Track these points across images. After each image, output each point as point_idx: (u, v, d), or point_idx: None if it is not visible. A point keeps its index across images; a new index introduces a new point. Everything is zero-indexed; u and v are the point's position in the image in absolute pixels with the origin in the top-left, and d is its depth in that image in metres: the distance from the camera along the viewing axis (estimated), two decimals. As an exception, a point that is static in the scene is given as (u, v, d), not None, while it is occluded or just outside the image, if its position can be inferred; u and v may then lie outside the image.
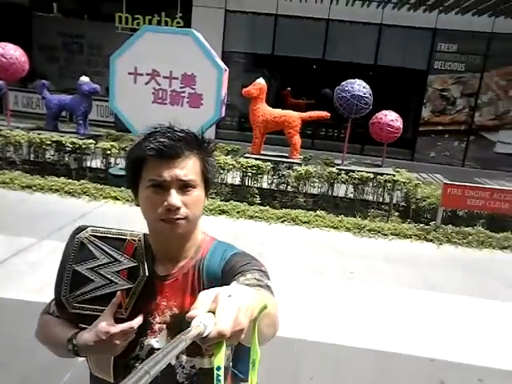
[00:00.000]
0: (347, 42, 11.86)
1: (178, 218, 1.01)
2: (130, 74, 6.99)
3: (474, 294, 4.52)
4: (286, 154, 7.32)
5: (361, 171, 6.70)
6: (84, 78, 7.31)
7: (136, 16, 11.70)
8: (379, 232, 6.02)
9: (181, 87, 7.03)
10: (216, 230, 5.51)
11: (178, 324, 1.02)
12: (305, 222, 6.15)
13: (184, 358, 1.03)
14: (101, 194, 6.21)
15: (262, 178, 6.83)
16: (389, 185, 6.66)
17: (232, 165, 6.71)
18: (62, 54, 14.43)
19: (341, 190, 6.94)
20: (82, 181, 6.53)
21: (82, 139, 6.88)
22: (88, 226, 1.06)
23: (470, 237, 5.96)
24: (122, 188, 6.30)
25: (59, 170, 6.97)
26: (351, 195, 6.92)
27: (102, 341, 0.95)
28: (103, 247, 1.03)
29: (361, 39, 11.80)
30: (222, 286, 1.02)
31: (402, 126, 7.04)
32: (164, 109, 7.06)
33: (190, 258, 1.10)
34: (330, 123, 11.66)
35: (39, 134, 6.88)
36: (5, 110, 7.79)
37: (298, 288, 4.28)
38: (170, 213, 0.99)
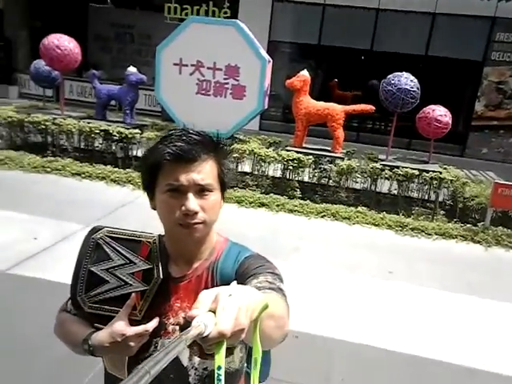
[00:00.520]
0: (397, 33, 11.42)
1: (196, 223, 1.01)
2: (175, 64, 7.11)
3: (522, 301, 4.29)
4: (329, 148, 7.20)
5: (405, 167, 6.48)
6: (131, 69, 7.49)
7: (184, 6, 11.86)
8: (423, 231, 5.82)
9: (224, 78, 7.07)
10: (255, 222, 5.58)
11: (189, 323, 1.04)
12: (345, 218, 6.05)
13: (196, 359, 1.03)
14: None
15: (303, 171, 6.76)
16: (435, 182, 6.40)
17: (273, 157, 6.68)
18: (115, 45, 14.87)
19: (384, 186, 6.74)
20: (127, 169, 6.74)
21: (128, 129, 7.09)
22: (104, 227, 1.07)
23: (523, 240, 5.64)
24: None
25: (107, 158, 7.23)
26: (395, 192, 6.71)
27: (117, 342, 0.97)
28: (118, 248, 1.04)
29: (412, 29, 11.32)
30: None
31: (450, 122, 6.71)
32: (207, 100, 7.14)
33: (205, 260, 1.11)
34: (376, 116, 11.34)
35: (89, 123, 7.15)
36: (60, 99, 8.13)
37: (333, 285, 4.23)
38: (187, 217, 1.00)
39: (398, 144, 10.06)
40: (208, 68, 7.07)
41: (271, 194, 6.50)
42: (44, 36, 7.40)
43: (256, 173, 6.95)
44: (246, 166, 7.02)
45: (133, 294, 1.01)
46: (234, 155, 6.71)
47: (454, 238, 5.75)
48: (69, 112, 7.98)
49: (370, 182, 6.72)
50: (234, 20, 7.48)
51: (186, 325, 1.03)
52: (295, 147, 7.09)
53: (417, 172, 6.41)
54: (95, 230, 1.07)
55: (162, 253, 1.05)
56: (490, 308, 4.10)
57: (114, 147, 7.25)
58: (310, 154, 6.78)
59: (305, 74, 6.94)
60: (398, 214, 6.25)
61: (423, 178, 6.45)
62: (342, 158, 6.82)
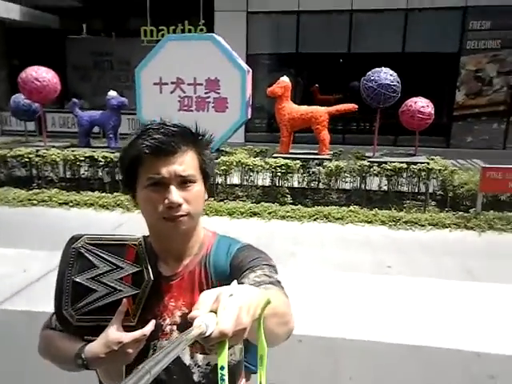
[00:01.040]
0: (372, 32, 11.57)
1: (181, 215, 0.98)
2: (155, 84, 7.13)
3: (522, 282, 4.25)
4: (316, 151, 7.21)
5: (393, 162, 6.49)
6: (112, 93, 7.51)
7: (160, 28, 11.93)
8: (416, 223, 5.80)
9: (205, 93, 7.09)
10: (248, 232, 5.53)
11: (188, 323, 1.02)
12: (338, 219, 6.02)
13: (199, 356, 1.01)
14: (134, 206, 6.34)
15: (292, 177, 6.76)
16: (423, 174, 6.41)
17: (261, 166, 6.68)
18: (94, 73, 14.95)
19: (374, 183, 6.75)
20: (115, 193, 6.70)
21: (113, 153, 7.06)
22: (83, 235, 1.03)
23: (515, 222, 5.64)
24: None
25: (93, 184, 7.19)
26: (385, 188, 6.72)
27: (114, 351, 0.93)
28: (102, 255, 1.00)
29: (386, 27, 11.47)
30: (230, 281, 0.99)
31: (433, 112, 6.76)
32: (190, 116, 7.13)
33: (195, 255, 1.08)
34: (359, 116, 11.41)
35: (73, 151, 7.13)
36: (42, 132, 8.11)
37: (333, 286, 4.18)
38: (171, 210, 0.97)
39: (384, 141, 10.10)
40: (188, 84, 7.10)
41: (262, 203, 6.48)
42: (22, 71, 7.41)
43: (245, 183, 6.93)
44: (235, 178, 7.00)
45: (124, 300, 0.97)
46: (222, 168, 6.69)
47: (447, 226, 5.74)
48: (52, 143, 7.96)
49: (360, 181, 6.72)
50: (209, 34, 7.54)
51: (185, 323, 1.00)
52: (282, 154, 7.09)
53: (405, 165, 6.42)
54: (74, 239, 1.03)
55: (150, 253, 1.02)
56: (492, 291, 4.06)
57: (100, 173, 7.21)
58: (298, 158, 6.78)
59: (285, 79, 6.98)
60: (390, 210, 6.24)
61: (412, 171, 6.46)
62: (330, 160, 6.82)
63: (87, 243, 1.01)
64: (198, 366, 1.01)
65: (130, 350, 0.95)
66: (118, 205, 6.34)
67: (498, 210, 5.86)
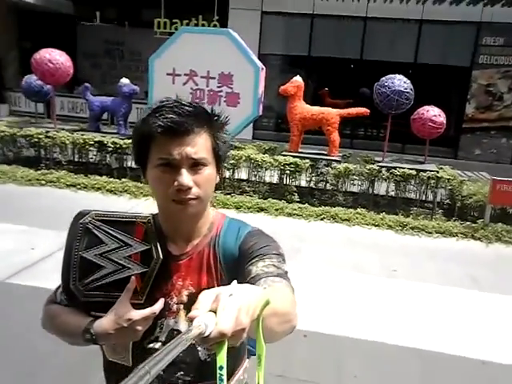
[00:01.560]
0: (385, 41, 11.59)
1: (190, 198, 0.96)
2: (168, 74, 7.12)
3: (528, 293, 4.26)
4: (325, 152, 7.21)
5: (402, 168, 6.50)
6: (124, 80, 7.50)
7: (174, 20, 11.93)
8: (423, 230, 5.80)
9: (218, 86, 7.09)
10: (255, 226, 5.51)
11: (195, 303, 1.02)
12: (345, 220, 6.02)
13: None
14: (141, 192, 6.33)
15: (300, 175, 6.75)
16: (432, 182, 6.42)
17: (270, 163, 6.67)
18: (105, 61, 14.92)
19: (381, 188, 6.75)
20: (123, 179, 6.68)
21: (122, 139, 7.05)
22: (90, 210, 1.01)
23: (523, 235, 5.65)
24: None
25: (101, 169, 7.17)
26: (392, 193, 6.72)
27: (123, 328, 0.93)
28: (111, 232, 0.98)
29: (400, 37, 11.51)
30: (239, 263, 1.01)
31: (445, 122, 6.78)
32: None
33: (204, 236, 1.07)
34: (369, 122, 11.42)
35: (82, 135, 7.11)
36: (52, 114, 8.09)
37: (338, 285, 4.18)
38: (181, 193, 0.95)
39: (392, 149, 10.11)
40: (201, 77, 7.09)
41: (269, 199, 6.47)
42: (33, 54, 7.37)
43: (253, 179, 6.93)
44: (243, 173, 6.99)
45: (133, 278, 0.96)
46: (231, 162, 6.69)
47: (454, 235, 5.74)
48: (61, 125, 7.93)
49: (368, 184, 6.72)
50: (225, 29, 7.54)
51: (191, 303, 1.00)
52: (291, 152, 7.09)
53: (414, 172, 6.43)
54: (81, 214, 1.00)
55: (159, 232, 1.01)
56: (497, 302, 4.07)
57: (108, 158, 7.19)
58: (307, 158, 6.78)
59: (298, 79, 6.99)
60: (397, 215, 6.24)
61: (420, 178, 6.46)
62: (339, 161, 6.82)
63: (95, 219, 0.99)
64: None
65: (139, 327, 0.95)
66: (126, 191, 6.32)
67: (506, 223, 5.87)
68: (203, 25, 12.01)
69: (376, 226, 5.89)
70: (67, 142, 6.98)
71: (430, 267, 4.78)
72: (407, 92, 6.53)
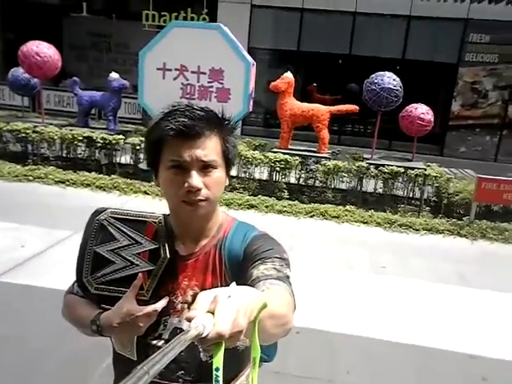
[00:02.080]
0: (374, 36, 11.66)
1: (200, 200, 0.99)
2: (158, 69, 7.05)
3: (512, 290, 4.38)
4: (315, 149, 7.26)
5: (391, 165, 6.58)
6: (114, 75, 7.42)
7: (163, 13, 11.81)
8: (410, 227, 5.91)
9: (209, 82, 7.05)
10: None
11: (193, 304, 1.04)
12: (334, 217, 6.09)
13: None
14: (131, 189, 6.31)
15: (290, 172, 6.79)
16: (420, 179, 6.52)
17: (260, 159, 6.70)
18: (91, 53, 14.70)
19: (370, 185, 6.84)
20: (112, 176, 6.64)
21: (111, 135, 6.99)
22: (107, 208, 1.06)
23: (507, 232, 5.78)
24: (152, 183, 6.37)
25: (90, 165, 7.11)
26: (381, 190, 6.81)
27: (126, 323, 0.96)
28: (123, 229, 1.03)
29: (388, 32, 11.59)
30: (242, 266, 1.03)
31: (433, 120, 6.88)
32: (211, 106, 7.07)
33: (212, 238, 1.10)
34: (357, 119, 11.50)
35: (71, 130, 7.03)
36: (38, 108, 7.97)
37: (329, 282, 4.24)
38: (190, 194, 0.98)
39: (380, 145, 10.17)
40: (192, 72, 7.05)
41: (259, 196, 6.50)
42: (18, 46, 7.24)
43: (243, 175, 6.94)
44: (233, 170, 6.98)
45: (139, 274, 1.00)
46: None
47: (441, 232, 5.86)
48: (49, 120, 7.82)
49: (357, 181, 6.79)
50: (217, 23, 7.50)
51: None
52: (281, 149, 7.12)
53: (402, 170, 6.51)
54: (98, 211, 1.06)
55: (168, 232, 1.05)
56: (483, 297, 4.19)
57: (97, 154, 7.13)
58: (297, 155, 6.82)
59: (289, 75, 7.00)
60: (385, 212, 6.33)
61: (408, 176, 6.56)
62: (329, 158, 6.88)
63: (110, 216, 1.04)
64: None
65: (141, 324, 0.97)
66: (115, 187, 6.29)
67: (491, 220, 6.01)
68: (192, 18, 11.90)
69: (365, 223, 5.98)
70: (55, 137, 6.89)
71: (418, 264, 4.88)
72: (396, 89, 6.60)
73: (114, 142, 6.86)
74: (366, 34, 11.71)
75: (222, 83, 7.05)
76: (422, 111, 6.80)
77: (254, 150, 7.29)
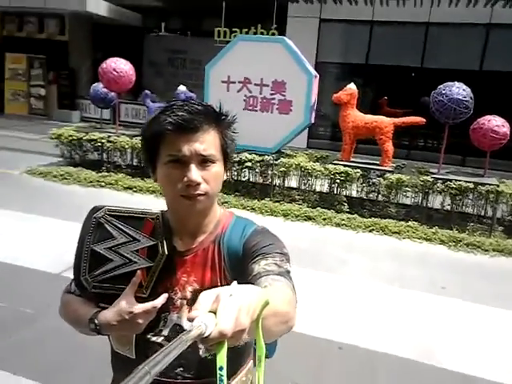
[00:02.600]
0: (448, 47, 11.12)
1: (199, 194, 0.99)
2: (223, 82, 7.30)
3: None
4: (377, 162, 7.05)
5: (459, 181, 6.20)
6: (181, 87, 7.80)
7: (234, 29, 12.23)
8: (479, 247, 5.50)
9: (271, 94, 7.16)
10: (301, 235, 5.52)
11: (195, 303, 1.03)
12: (395, 233, 5.85)
13: None
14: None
15: (350, 185, 6.65)
16: (492, 196, 6.06)
17: (320, 171, 6.63)
18: (168, 69, 15.57)
19: (436, 201, 6.48)
20: (176, 183, 6.93)
21: (178, 145, 7.30)
22: (104, 206, 1.06)
23: None
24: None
25: (157, 173, 7.47)
26: (448, 207, 6.42)
27: (125, 320, 0.96)
28: (121, 226, 1.02)
29: (464, 43, 10.99)
30: (242, 261, 1.02)
31: (509, 133, 6.38)
32: (255, 115, 7.24)
33: (210, 233, 1.09)
34: (428, 133, 11.01)
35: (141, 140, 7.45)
36: (115, 119, 8.57)
37: (382, 299, 4.07)
38: (189, 188, 0.98)
39: (451, 161, 9.67)
40: (255, 84, 7.21)
41: (318, 208, 6.43)
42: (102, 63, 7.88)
43: (303, 187, 6.92)
44: (293, 181, 7.01)
45: (138, 271, 1.00)
46: (281, 169, 6.73)
47: (514, 254, 5.39)
48: (123, 131, 8.38)
49: (422, 197, 6.48)
50: (280, 37, 7.62)
51: (195, 299, 1.02)
52: (343, 161, 7.00)
53: (471, 185, 6.10)
54: (96, 209, 1.06)
55: (166, 228, 1.04)
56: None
57: (164, 163, 7.47)
58: (358, 167, 6.66)
59: (352, 87, 6.90)
60: (451, 230, 5.96)
61: (479, 192, 6.13)
62: (392, 172, 6.64)
63: (107, 214, 1.04)
64: None
65: (140, 321, 0.97)
66: (178, 194, 6.56)
67: None
68: (262, 33, 12.18)
69: (427, 240, 5.67)
70: (126, 146, 7.37)
71: (483, 287, 4.52)
72: (466, 100, 6.22)
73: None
74: (440, 45, 11.21)
75: (284, 95, 7.13)
76: (496, 123, 6.34)
77: (315, 162, 7.24)
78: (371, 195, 6.78)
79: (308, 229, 5.93)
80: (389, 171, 6.68)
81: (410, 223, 6.04)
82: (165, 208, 1.11)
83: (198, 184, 0.98)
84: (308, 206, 6.56)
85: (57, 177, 7.05)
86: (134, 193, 6.65)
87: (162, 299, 1.00)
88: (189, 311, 1.01)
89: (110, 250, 1.02)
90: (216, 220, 1.11)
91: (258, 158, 6.82)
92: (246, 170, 6.98)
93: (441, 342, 3.43)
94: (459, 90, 6.22)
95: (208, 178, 1.00)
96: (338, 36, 12.14)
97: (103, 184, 6.82)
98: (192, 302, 1.02)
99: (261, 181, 7.01)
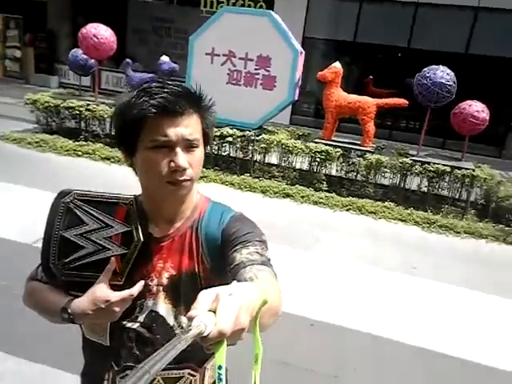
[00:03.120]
0: (436, 29, 11.07)
1: (184, 180, 0.96)
2: (207, 54, 7.15)
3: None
4: (358, 142, 7.07)
5: (437, 164, 6.28)
6: (164, 58, 7.61)
7: (220, 0, 11.92)
8: (451, 229, 5.63)
9: (255, 69, 7.05)
10: (279, 212, 5.54)
11: (175, 285, 1.01)
12: (371, 212, 5.93)
13: (183, 318, 1.00)
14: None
15: (330, 164, 6.67)
16: (467, 180, 6.17)
17: (301, 149, 6.63)
18: (151, 37, 15.13)
19: (413, 183, 6.57)
20: (155, 155, 6.84)
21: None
22: (72, 190, 1.00)
23: (559, 243, 5.37)
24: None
25: (136, 144, 7.35)
26: (424, 189, 6.52)
27: (101, 309, 0.94)
28: (92, 212, 0.98)
29: (452, 25, 10.95)
30: (221, 248, 1.01)
31: (488, 118, 6.45)
32: (238, 90, 7.14)
33: (187, 219, 1.07)
34: (410, 114, 11.05)
35: (121, 110, 7.29)
36: (94, 87, 8.35)
37: (353, 277, 4.15)
38: (176, 174, 0.95)
39: (432, 143, 9.78)
40: (240, 58, 7.07)
41: (297, 186, 6.45)
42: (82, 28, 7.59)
43: (283, 164, 6.91)
44: (273, 158, 6.99)
45: (112, 259, 0.97)
46: (262, 146, 6.70)
47: (484, 237, 5.54)
48: (102, 99, 8.17)
49: (399, 178, 6.56)
50: (267, 10, 7.46)
51: (171, 285, 1.00)
52: (324, 140, 7.00)
53: (448, 169, 6.20)
54: (64, 193, 1.00)
55: (141, 214, 1.01)
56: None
57: (143, 134, 7.35)
58: (339, 146, 6.68)
59: (337, 65, 6.84)
60: (426, 211, 6.08)
61: (455, 176, 6.23)
62: (372, 152, 6.68)
63: (77, 199, 0.99)
64: (182, 328, 1.00)
65: (117, 309, 0.95)
66: (157, 167, 6.49)
67: (542, 229, 5.60)
68: (249, 5, 11.92)
69: (402, 221, 5.77)
70: (106, 115, 7.20)
71: (453, 268, 4.65)
72: (449, 85, 6.25)
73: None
74: (428, 26, 11.15)
75: (268, 70, 7.03)
76: (476, 109, 6.40)
77: (296, 140, 7.23)
78: (350, 175, 6.83)
79: (286, 206, 5.97)
80: (369, 152, 6.71)
81: (386, 204, 6.13)
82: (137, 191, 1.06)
83: (185, 169, 0.95)
84: (287, 183, 6.58)
85: (31, 144, 6.86)
86: (112, 163, 6.54)
87: (138, 287, 0.98)
88: (165, 297, 1.01)
89: (81, 236, 0.98)
90: (193, 205, 1.08)
91: (239, 133, 6.76)
92: (227, 144, 6.92)
93: (410, 319, 3.53)
94: (443, 73, 6.23)
95: (193, 163, 0.97)
96: (327, 12, 11.95)
97: (80, 153, 6.68)
98: (169, 287, 1.02)
99: (241, 156, 6.97)
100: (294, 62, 6.91)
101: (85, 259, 0.97)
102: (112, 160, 6.57)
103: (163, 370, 1.00)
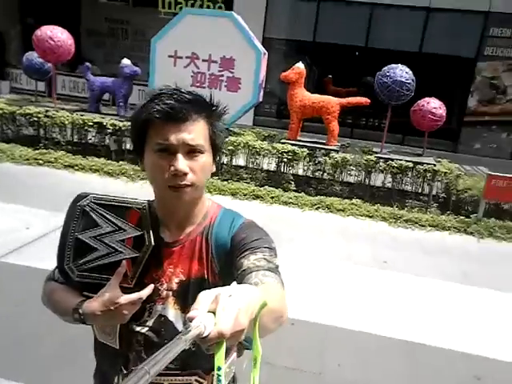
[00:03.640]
0: (392, 29, 11.44)
1: (186, 185, 0.98)
2: (169, 56, 7.07)
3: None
4: (324, 141, 7.20)
5: (400, 160, 6.50)
6: (125, 61, 7.45)
7: (179, 0, 11.80)
8: (416, 223, 5.84)
9: (219, 71, 7.04)
10: (249, 214, 5.53)
11: (184, 291, 1.03)
12: (339, 210, 6.05)
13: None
14: (138, 176, 6.36)
15: (297, 164, 6.76)
16: (429, 175, 6.43)
17: (268, 150, 6.68)
18: (108, 40, 14.77)
19: (378, 180, 6.77)
20: (120, 162, 6.70)
21: (122, 121, 7.03)
22: (89, 194, 1.03)
23: (515, 231, 5.68)
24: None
25: (100, 151, 7.17)
26: (389, 185, 6.74)
27: (110, 311, 0.95)
28: (106, 215, 1.01)
29: (406, 25, 11.35)
30: (230, 255, 1.02)
31: (445, 115, 6.75)
32: (202, 92, 7.06)
33: (198, 225, 1.09)
34: (370, 112, 11.36)
35: (82, 116, 7.09)
36: (52, 93, 8.06)
37: (328, 274, 4.23)
38: (176, 178, 0.97)
39: (392, 139, 10.09)
40: (203, 60, 7.04)
41: (266, 187, 6.50)
42: (35, 30, 7.31)
43: (250, 166, 6.94)
44: (241, 159, 7.00)
45: (123, 262, 0.99)
46: (229, 148, 6.69)
47: (447, 229, 5.78)
48: (61, 105, 7.91)
49: (365, 175, 6.73)
50: (229, 12, 7.46)
51: (180, 290, 1.01)
52: (290, 140, 7.08)
53: (411, 164, 6.43)
54: (81, 197, 1.03)
55: (153, 218, 1.02)
56: (485, 296, 4.13)
57: (107, 140, 7.19)
58: (305, 146, 6.78)
59: (300, 66, 6.93)
60: (391, 207, 6.27)
61: (417, 171, 6.47)
62: (337, 151, 6.82)
63: (93, 202, 1.02)
64: (185, 324, 1.01)
65: (126, 311, 0.96)
66: (123, 173, 6.35)
67: (500, 219, 5.90)
68: (208, 6, 11.86)
69: (370, 217, 5.93)
70: (66, 122, 6.97)
71: (421, 260, 4.83)
72: (408, 83, 6.48)
73: (123, 128, 6.90)
74: (384, 26, 11.50)
75: (232, 72, 7.04)
76: (434, 106, 6.68)
77: (262, 141, 7.27)
78: (317, 174, 6.95)
79: (256, 207, 5.99)
80: (334, 150, 6.85)
81: (353, 201, 6.28)
82: (148, 197, 1.08)
83: (185, 174, 0.97)
84: (256, 185, 6.61)
85: (-14, 153, 6.56)
86: (76, 171, 6.35)
87: (148, 290, 0.99)
88: (174, 303, 1.02)
89: (95, 239, 1.00)
90: (204, 211, 1.10)
91: (206, 136, 6.71)
92: (194, 147, 6.85)
93: (384, 312, 3.64)
94: (402, 72, 6.45)
95: (195, 169, 0.99)
96: (286, 12, 12.06)
97: (41, 162, 6.43)
98: (178, 293, 1.03)
99: (209, 159, 6.93)
100: (257, 64, 6.95)
101: (98, 261, 1.00)
102: (76, 168, 6.37)
103: (171, 376, 1.03)
